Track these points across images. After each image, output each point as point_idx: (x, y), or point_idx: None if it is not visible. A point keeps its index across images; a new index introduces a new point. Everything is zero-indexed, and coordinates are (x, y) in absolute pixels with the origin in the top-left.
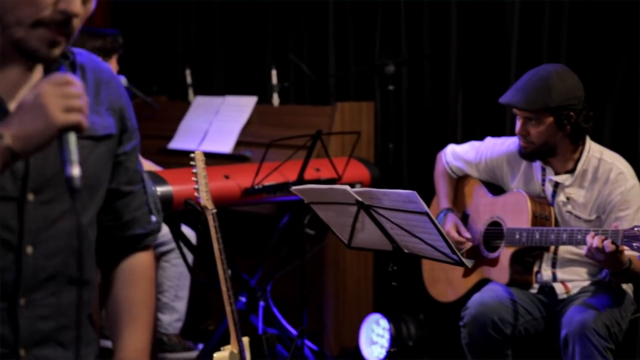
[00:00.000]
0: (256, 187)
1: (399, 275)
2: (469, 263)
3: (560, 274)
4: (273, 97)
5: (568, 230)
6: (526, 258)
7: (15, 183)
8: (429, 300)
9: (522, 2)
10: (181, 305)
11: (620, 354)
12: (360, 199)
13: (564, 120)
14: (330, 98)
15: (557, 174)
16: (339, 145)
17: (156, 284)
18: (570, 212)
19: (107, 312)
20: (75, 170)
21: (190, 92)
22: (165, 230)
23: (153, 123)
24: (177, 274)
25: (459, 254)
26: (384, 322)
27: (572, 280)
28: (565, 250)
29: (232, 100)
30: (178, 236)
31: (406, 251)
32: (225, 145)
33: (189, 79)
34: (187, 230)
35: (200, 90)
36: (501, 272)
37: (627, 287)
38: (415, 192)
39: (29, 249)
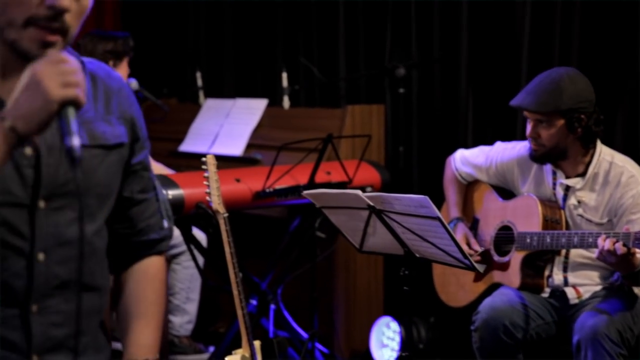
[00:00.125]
0: (267, 190)
1: (411, 279)
2: (480, 268)
3: (572, 278)
4: (283, 100)
5: (579, 233)
6: (537, 262)
7: (25, 190)
8: (439, 303)
9: (533, 4)
10: (192, 307)
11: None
12: (372, 203)
13: (575, 123)
14: (340, 101)
15: (567, 177)
16: (349, 148)
17: (167, 286)
18: (581, 216)
19: (118, 312)
20: (75, 141)
21: (201, 94)
22: (176, 232)
23: (163, 125)
24: (188, 276)
25: (470, 258)
26: (394, 325)
27: (584, 284)
28: (576, 254)
29: (242, 103)
30: (189, 239)
31: (418, 256)
32: (235, 147)
33: (199, 82)
34: (197, 232)
35: (211, 93)
36: (512, 277)
37: (639, 292)
38: (427, 197)
39: (41, 256)
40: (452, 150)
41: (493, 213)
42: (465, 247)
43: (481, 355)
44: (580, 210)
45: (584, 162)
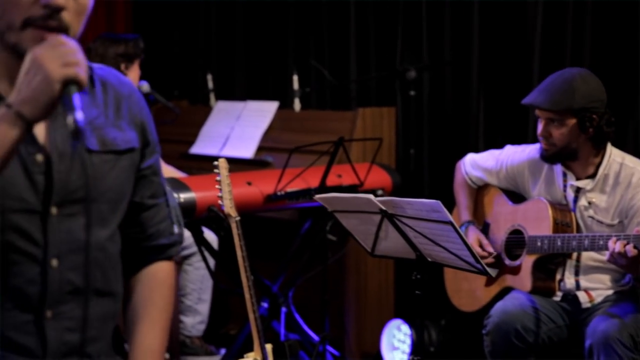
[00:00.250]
0: (279, 193)
1: (423, 283)
2: (492, 272)
3: (584, 281)
4: (294, 102)
5: (590, 236)
6: (548, 265)
7: (37, 196)
8: (450, 306)
9: (544, 8)
10: (204, 308)
11: None
12: (384, 207)
13: (587, 122)
14: (351, 103)
15: (578, 179)
16: (360, 150)
17: (179, 287)
18: (592, 217)
19: (126, 316)
20: (79, 115)
21: (212, 97)
22: (187, 233)
23: (174, 127)
24: (199, 277)
25: (482, 263)
26: (405, 328)
27: (596, 288)
28: (588, 258)
29: (253, 106)
30: (200, 241)
31: (430, 260)
32: (246, 150)
33: (210, 84)
34: (208, 234)
35: (222, 95)
36: (524, 280)
37: None
38: (439, 202)
39: (54, 262)
40: (463, 152)
41: (504, 217)
42: (478, 250)
43: (493, 359)
44: (591, 212)
45: (594, 164)
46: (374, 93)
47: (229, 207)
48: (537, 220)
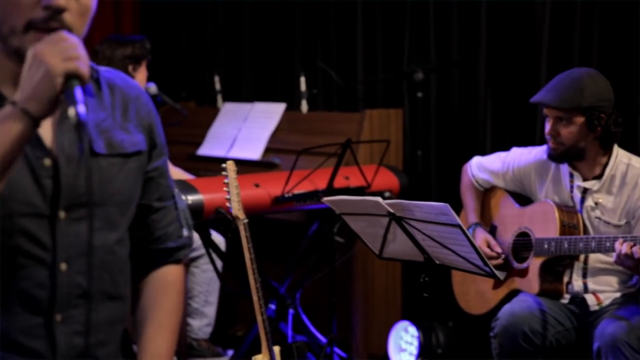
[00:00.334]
0: (286, 195)
1: (431, 286)
2: (501, 275)
3: (592, 284)
4: (302, 104)
5: (596, 238)
6: (556, 267)
7: (45, 200)
8: (458, 308)
9: (552, 10)
10: (211, 311)
11: None
12: (392, 210)
13: (595, 121)
14: (358, 105)
15: (585, 179)
16: (367, 152)
17: (186, 290)
18: (599, 218)
19: (134, 319)
20: (81, 108)
21: (219, 98)
22: (194, 236)
23: (181, 129)
24: (206, 280)
25: (491, 266)
26: (412, 330)
27: (604, 291)
28: (595, 260)
29: (260, 107)
30: (208, 243)
31: (437, 262)
32: (254, 151)
33: (217, 85)
34: (215, 236)
35: (229, 97)
36: (531, 283)
37: None
38: (447, 205)
39: (63, 266)
40: (471, 154)
41: (510, 220)
42: (486, 250)
43: None
44: (597, 213)
45: (601, 164)
46: (381, 94)
47: (237, 210)
48: (543, 223)
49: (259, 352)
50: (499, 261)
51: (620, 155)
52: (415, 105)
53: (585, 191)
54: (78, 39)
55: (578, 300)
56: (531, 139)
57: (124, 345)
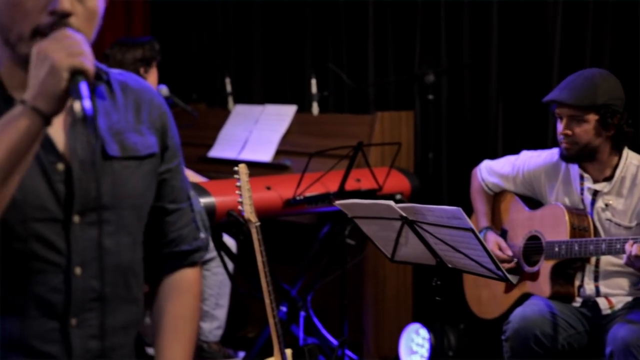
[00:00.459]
0: (297, 198)
1: (443, 289)
2: (513, 279)
3: (604, 287)
4: (313, 106)
5: (607, 240)
6: (567, 270)
7: (59, 205)
8: (469, 311)
9: (564, 12)
10: (221, 313)
11: None
12: (404, 214)
13: (609, 119)
14: (369, 107)
15: (595, 181)
16: (378, 154)
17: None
18: (610, 220)
19: (152, 323)
20: (86, 102)
21: (230, 100)
22: None
23: (192, 131)
24: (217, 282)
25: (503, 270)
26: (423, 332)
27: (616, 294)
28: (606, 262)
29: (271, 109)
30: (220, 246)
31: (450, 266)
32: (265, 154)
33: (228, 88)
34: (227, 238)
35: (240, 99)
36: (542, 286)
37: None
38: (460, 209)
39: (78, 270)
40: (482, 156)
41: (521, 223)
42: (498, 253)
43: None
44: (608, 214)
45: (612, 166)
46: (392, 97)
47: (249, 213)
48: (554, 226)
49: (270, 354)
50: (512, 264)
51: (630, 157)
52: (426, 107)
53: (595, 193)
54: (82, 36)
55: (590, 303)
56: (543, 141)
57: (136, 348)
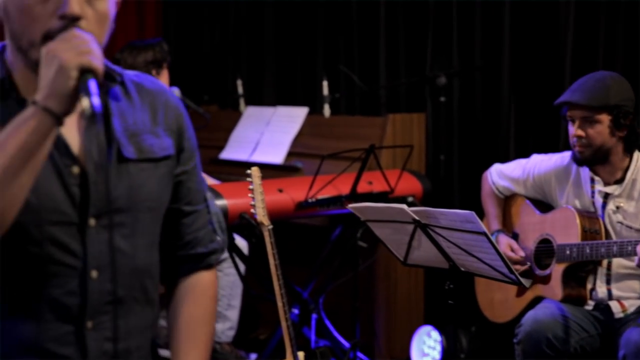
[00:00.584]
0: (310, 200)
1: (455, 293)
2: (526, 283)
3: (616, 290)
4: (324, 108)
5: (618, 242)
6: (579, 273)
7: (74, 208)
8: (481, 313)
9: (576, 13)
10: (234, 314)
11: None
12: (417, 217)
13: (621, 119)
14: (381, 109)
15: (606, 184)
16: (390, 157)
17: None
18: (621, 223)
19: (168, 325)
20: (95, 100)
21: (242, 102)
22: None
23: (204, 132)
24: (229, 283)
25: (516, 273)
26: (435, 334)
27: (628, 297)
28: (618, 265)
29: (283, 111)
30: (231, 248)
31: (463, 269)
32: (276, 155)
33: (240, 89)
34: (239, 239)
35: (251, 101)
36: (554, 289)
37: None
38: (473, 213)
39: (94, 273)
40: (494, 159)
41: (532, 227)
42: (510, 254)
43: None
44: (619, 217)
45: (622, 168)
46: (403, 99)
47: (261, 216)
48: (565, 229)
49: (282, 356)
50: (525, 267)
51: None
52: (438, 109)
53: (606, 196)
54: (90, 35)
55: (602, 306)
56: (555, 143)
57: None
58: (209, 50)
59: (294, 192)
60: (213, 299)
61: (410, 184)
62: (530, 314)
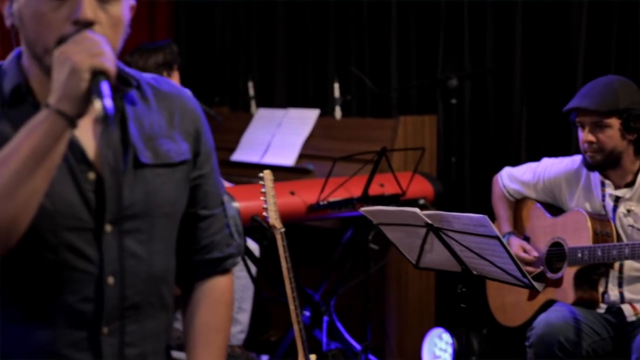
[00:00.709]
0: (321, 203)
1: (468, 296)
2: (539, 287)
3: (628, 293)
4: (335, 110)
5: (630, 244)
6: (591, 276)
7: (90, 214)
8: (492, 316)
9: (589, 16)
10: (244, 317)
11: None
12: (430, 221)
13: (631, 122)
14: (392, 111)
15: (617, 188)
16: (401, 159)
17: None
18: (632, 226)
19: (183, 330)
20: (107, 102)
21: (253, 104)
22: None
23: (215, 134)
24: (240, 286)
25: (529, 277)
26: (446, 337)
27: None
28: (630, 268)
29: (294, 113)
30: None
31: (475, 273)
32: (287, 158)
33: (251, 91)
34: (249, 242)
35: (263, 102)
36: (566, 293)
37: None
38: (486, 217)
39: (110, 280)
40: (505, 161)
41: (543, 230)
42: (523, 255)
43: None
44: (630, 220)
45: (633, 172)
46: (415, 101)
47: (274, 219)
48: (576, 232)
49: (294, 358)
50: (538, 270)
51: None
52: (449, 111)
53: (617, 199)
54: (103, 37)
55: (614, 310)
56: (567, 146)
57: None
58: (220, 52)
59: (305, 194)
60: (229, 305)
61: (421, 187)
62: (542, 317)
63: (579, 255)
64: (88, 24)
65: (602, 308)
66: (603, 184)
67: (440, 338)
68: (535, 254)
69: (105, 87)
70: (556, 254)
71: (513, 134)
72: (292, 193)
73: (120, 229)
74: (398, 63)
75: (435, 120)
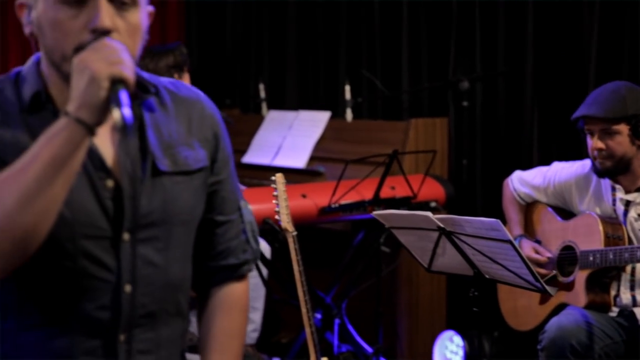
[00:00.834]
0: (333, 206)
1: (480, 300)
2: (552, 291)
3: None
4: (346, 112)
5: None
6: (603, 279)
7: (108, 222)
8: (503, 318)
9: (600, 18)
10: (257, 316)
11: None
12: (442, 225)
13: None
14: (403, 114)
15: (627, 192)
16: (413, 162)
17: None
18: None
19: (199, 336)
20: (126, 111)
21: (264, 106)
22: None
23: None
24: (252, 286)
25: (542, 281)
26: (457, 339)
27: None
28: None
29: (305, 115)
30: None
31: (487, 277)
32: (298, 160)
33: (262, 93)
34: (262, 243)
35: (274, 105)
36: (578, 296)
37: None
38: (498, 221)
39: (128, 288)
40: (517, 163)
41: (554, 234)
42: (536, 257)
43: None
44: None
45: None
46: (426, 103)
47: (286, 222)
48: (587, 235)
49: None
50: (551, 273)
51: None
52: (460, 114)
53: (628, 204)
54: (121, 44)
55: (627, 313)
56: (578, 148)
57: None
58: (231, 54)
59: (317, 197)
60: (244, 311)
61: (433, 189)
62: (554, 321)
63: (591, 258)
64: (105, 33)
65: (614, 311)
66: (613, 189)
67: (452, 340)
68: (548, 254)
69: (124, 96)
70: (567, 258)
71: (524, 137)
72: (304, 196)
73: (138, 237)
74: (409, 65)
75: (446, 122)
